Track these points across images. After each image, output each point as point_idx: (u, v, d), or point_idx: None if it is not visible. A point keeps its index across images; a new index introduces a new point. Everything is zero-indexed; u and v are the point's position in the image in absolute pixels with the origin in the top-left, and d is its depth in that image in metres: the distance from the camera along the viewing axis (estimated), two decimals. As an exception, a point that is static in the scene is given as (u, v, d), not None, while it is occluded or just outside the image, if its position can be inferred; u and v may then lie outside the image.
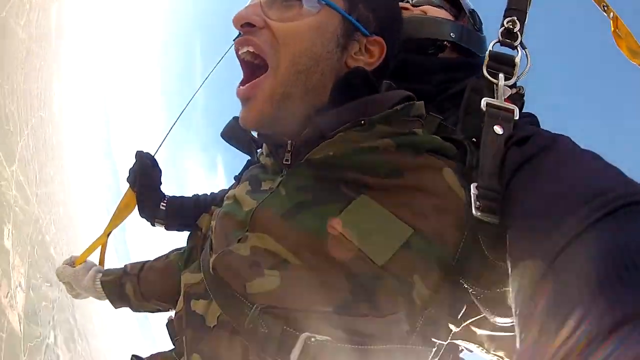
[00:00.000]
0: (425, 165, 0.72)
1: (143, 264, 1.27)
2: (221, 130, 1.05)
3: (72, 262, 1.38)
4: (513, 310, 0.46)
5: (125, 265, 1.30)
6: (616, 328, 0.27)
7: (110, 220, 1.43)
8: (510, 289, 0.49)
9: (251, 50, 0.78)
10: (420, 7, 1.12)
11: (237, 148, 1.08)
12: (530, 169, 0.59)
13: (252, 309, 0.69)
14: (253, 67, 0.80)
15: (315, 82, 0.78)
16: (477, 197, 0.66)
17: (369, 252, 0.67)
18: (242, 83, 0.81)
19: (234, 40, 0.84)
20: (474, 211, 0.66)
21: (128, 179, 1.39)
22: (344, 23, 0.79)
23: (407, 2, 1.16)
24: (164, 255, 1.26)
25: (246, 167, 1.07)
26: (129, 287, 1.24)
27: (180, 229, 1.40)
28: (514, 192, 0.60)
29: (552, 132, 0.69)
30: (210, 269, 0.79)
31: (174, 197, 1.41)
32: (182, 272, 0.93)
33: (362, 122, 0.74)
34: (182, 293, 0.87)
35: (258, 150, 1.01)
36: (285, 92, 0.76)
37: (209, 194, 1.44)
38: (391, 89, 0.84)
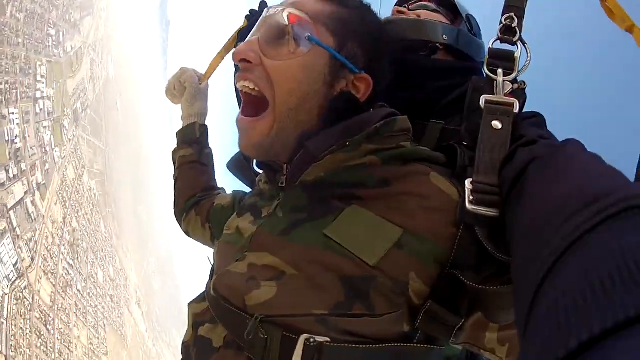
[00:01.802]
0: (411, 172, 0.78)
1: (208, 165, 1.43)
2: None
3: (200, 76, 1.47)
4: (514, 314, 0.46)
5: (208, 146, 1.42)
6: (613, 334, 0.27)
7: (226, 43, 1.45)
8: (513, 292, 0.50)
9: (248, 85, 0.84)
10: (416, 12, 1.15)
11: (240, 180, 1.26)
12: (537, 169, 0.60)
13: (252, 321, 0.72)
14: (251, 98, 0.86)
15: (304, 116, 0.83)
16: (472, 192, 0.69)
17: (360, 254, 0.70)
18: (243, 112, 0.87)
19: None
20: (467, 205, 0.68)
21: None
22: (333, 61, 0.83)
23: (405, 6, 1.20)
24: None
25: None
26: (190, 151, 1.41)
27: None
28: (518, 190, 0.62)
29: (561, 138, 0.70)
30: (212, 290, 0.84)
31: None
32: (189, 303, 0.96)
33: (347, 143, 0.79)
34: (190, 324, 0.91)
35: (257, 179, 1.07)
36: (279, 127, 0.83)
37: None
38: (382, 107, 0.89)
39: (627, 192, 0.40)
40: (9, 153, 8.40)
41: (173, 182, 1.45)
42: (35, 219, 9.67)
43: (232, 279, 0.81)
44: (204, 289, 0.93)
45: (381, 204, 0.75)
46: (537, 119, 0.88)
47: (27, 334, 7.73)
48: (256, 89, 0.83)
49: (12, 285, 7.72)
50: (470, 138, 0.81)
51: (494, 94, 0.81)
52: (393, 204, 0.74)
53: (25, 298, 8.02)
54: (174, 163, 1.46)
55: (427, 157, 0.80)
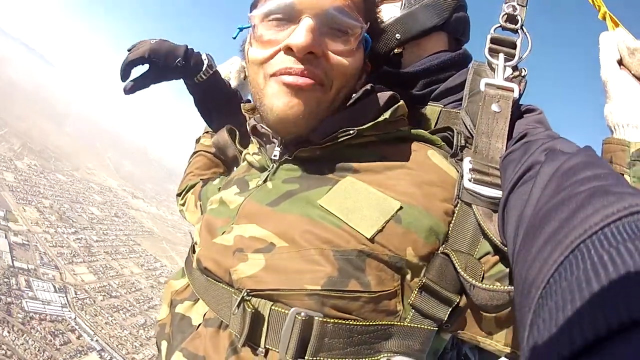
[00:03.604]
0: (409, 149, 0.79)
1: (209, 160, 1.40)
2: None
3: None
4: (517, 313, 0.47)
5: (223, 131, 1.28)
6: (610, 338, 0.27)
7: None
8: (514, 288, 0.50)
9: (311, 82, 0.75)
10: None
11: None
12: (549, 167, 0.59)
13: (239, 296, 0.69)
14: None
15: (338, 103, 0.82)
16: (470, 170, 0.71)
17: (356, 226, 0.67)
18: (295, 71, 0.75)
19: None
20: (465, 183, 0.69)
21: None
22: (365, 51, 0.85)
23: None
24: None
25: None
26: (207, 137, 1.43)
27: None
28: (525, 184, 0.61)
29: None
30: (195, 263, 0.82)
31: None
32: (167, 280, 0.94)
33: (351, 131, 0.76)
34: (168, 302, 0.89)
35: (242, 154, 1.04)
36: (325, 111, 0.79)
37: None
38: (380, 91, 0.88)
39: (632, 200, 0.41)
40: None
41: (187, 163, 1.49)
42: (28, 241, 9.94)
43: (217, 251, 0.78)
44: (184, 265, 0.93)
45: (378, 177, 0.74)
46: (540, 115, 0.87)
47: (109, 320, 9.27)
48: (315, 83, 0.76)
49: (70, 304, 8.85)
50: (470, 120, 0.83)
51: (494, 78, 0.84)
52: (390, 178, 0.73)
53: (82, 299, 9.15)
54: (195, 147, 1.49)
55: (424, 138, 0.82)
